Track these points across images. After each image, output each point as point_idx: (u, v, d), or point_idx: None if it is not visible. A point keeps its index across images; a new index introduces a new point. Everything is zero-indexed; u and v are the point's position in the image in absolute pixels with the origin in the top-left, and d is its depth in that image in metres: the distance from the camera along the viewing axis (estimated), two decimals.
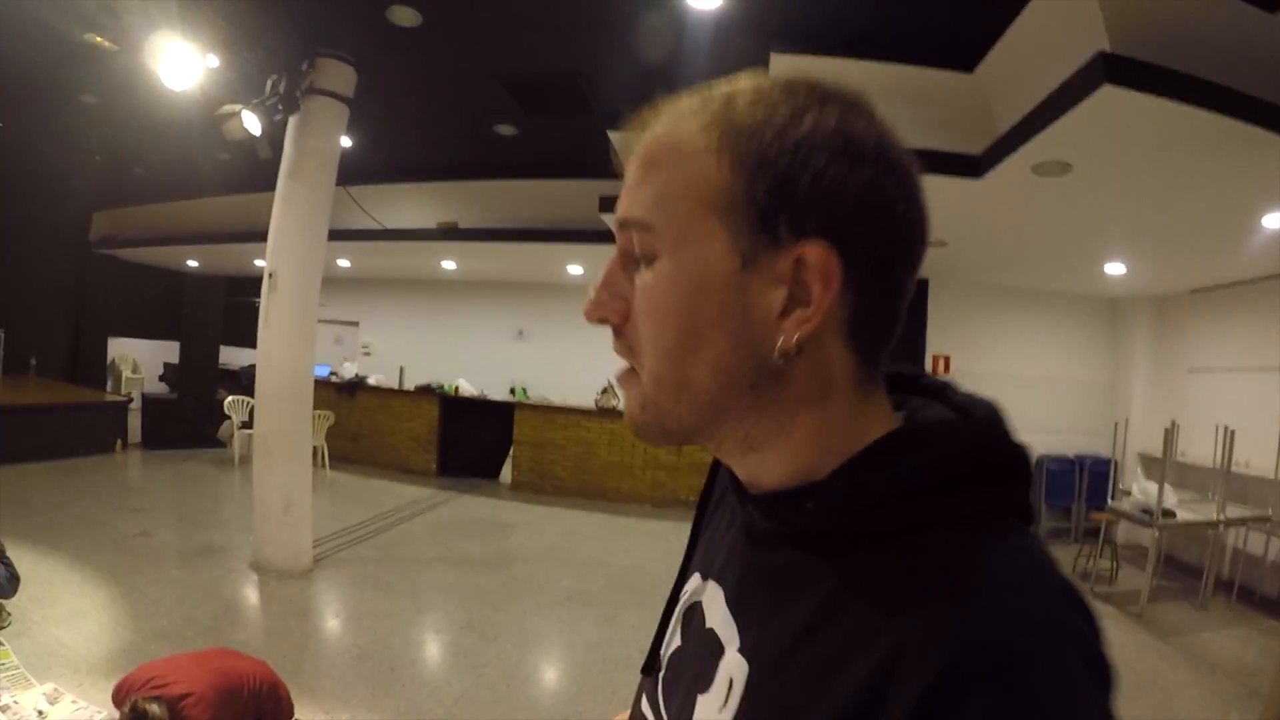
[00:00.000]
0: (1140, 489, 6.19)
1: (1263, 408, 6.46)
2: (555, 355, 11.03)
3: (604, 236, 7.65)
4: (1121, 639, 5.13)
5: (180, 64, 4.57)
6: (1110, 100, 3.36)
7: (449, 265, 10.40)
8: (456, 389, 10.19)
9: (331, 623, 4.67)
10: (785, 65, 4.56)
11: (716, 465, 0.81)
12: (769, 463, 0.59)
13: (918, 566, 0.48)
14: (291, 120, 5.35)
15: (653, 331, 0.57)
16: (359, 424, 10.33)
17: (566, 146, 7.41)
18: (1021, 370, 8.69)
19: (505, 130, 7.14)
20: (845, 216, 0.52)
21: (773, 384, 0.55)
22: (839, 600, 0.51)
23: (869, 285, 0.54)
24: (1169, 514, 5.77)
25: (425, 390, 10.23)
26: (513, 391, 10.32)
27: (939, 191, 4.67)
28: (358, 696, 3.55)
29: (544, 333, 11.34)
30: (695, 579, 0.74)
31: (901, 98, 4.54)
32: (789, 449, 0.58)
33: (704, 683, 0.61)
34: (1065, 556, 6.80)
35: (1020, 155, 4.11)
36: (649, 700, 0.73)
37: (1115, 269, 7.11)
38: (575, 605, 5.19)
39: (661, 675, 0.72)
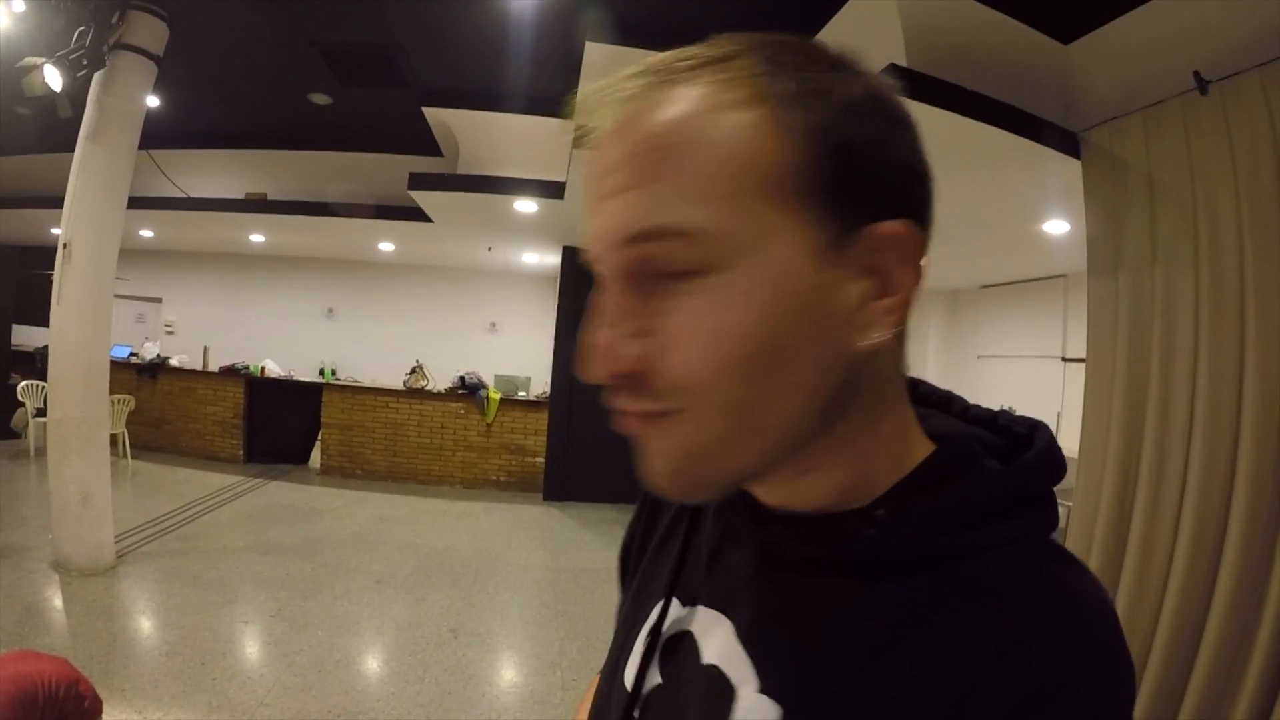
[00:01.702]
0: None
1: (1041, 390, 7.48)
2: (365, 335, 10.98)
3: (415, 214, 7.70)
4: None
5: None
6: None
7: (257, 238, 10.07)
8: (263, 370, 9.87)
9: (138, 620, 4.63)
10: (600, 53, 4.81)
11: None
12: (817, 484, 0.52)
13: (988, 591, 0.46)
14: (96, 77, 5.02)
15: (719, 364, 0.45)
16: (161, 409, 9.82)
17: (381, 121, 7.41)
18: None
19: (320, 100, 7.04)
20: (905, 185, 0.48)
21: (846, 395, 0.48)
22: (901, 629, 0.47)
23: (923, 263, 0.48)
24: None
25: (230, 371, 9.83)
26: (322, 372, 10.13)
27: None
28: (169, 694, 3.59)
29: (354, 311, 11.23)
30: (675, 606, 0.65)
31: None
32: (845, 467, 0.51)
33: None
34: None
35: None
36: None
37: None
38: (385, 589, 5.36)
39: (637, 717, 0.63)
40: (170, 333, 11.30)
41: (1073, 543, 3.79)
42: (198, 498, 7.57)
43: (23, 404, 9.06)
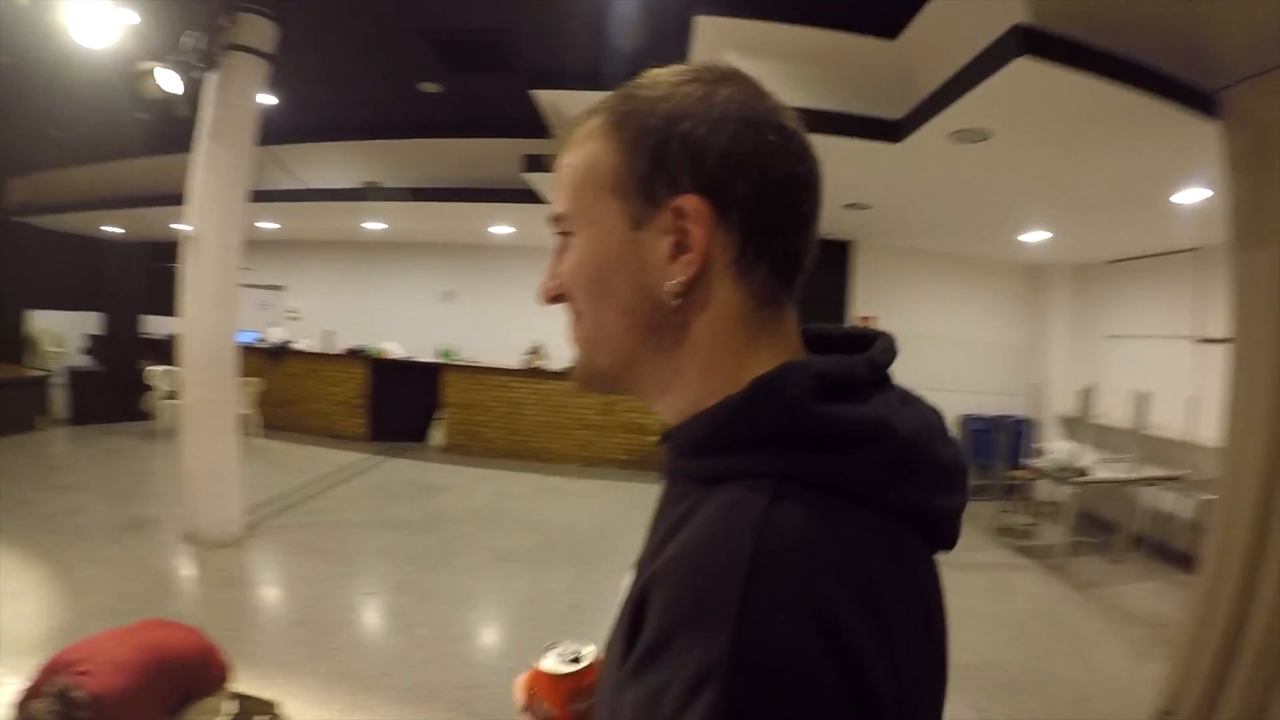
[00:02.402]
0: (1057, 448, 6.52)
1: (1174, 374, 6.81)
2: (483, 316, 10.96)
3: (528, 196, 7.64)
4: (1039, 590, 5.46)
5: (96, 20, 4.38)
6: (1025, 71, 3.40)
7: (375, 226, 10.19)
8: (383, 352, 10.12)
9: (265, 590, 4.72)
10: (710, 27, 4.62)
11: None
12: (675, 404, 0.67)
13: (694, 513, 0.56)
14: (211, 78, 5.19)
15: (576, 290, 0.66)
16: (287, 390, 10.17)
17: (491, 105, 7.37)
18: (943, 332, 8.92)
19: (430, 88, 7.08)
20: (712, 169, 0.60)
21: (673, 326, 0.64)
22: (669, 531, 0.58)
23: (751, 227, 0.61)
24: (1083, 472, 6.10)
25: (353, 354, 10.13)
26: (442, 353, 10.25)
27: (859, 155, 4.80)
28: (293, 661, 3.62)
29: (472, 293, 11.22)
30: None
31: (825, 62, 4.62)
32: (685, 388, 0.65)
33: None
34: (985, 512, 7.13)
35: (938, 121, 4.18)
36: None
37: (1035, 236, 7.35)
38: (507, 564, 5.31)
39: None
40: (294, 318, 11.57)
41: (1214, 540, 3.42)
42: (323, 474, 7.77)
43: (154, 388, 9.47)
